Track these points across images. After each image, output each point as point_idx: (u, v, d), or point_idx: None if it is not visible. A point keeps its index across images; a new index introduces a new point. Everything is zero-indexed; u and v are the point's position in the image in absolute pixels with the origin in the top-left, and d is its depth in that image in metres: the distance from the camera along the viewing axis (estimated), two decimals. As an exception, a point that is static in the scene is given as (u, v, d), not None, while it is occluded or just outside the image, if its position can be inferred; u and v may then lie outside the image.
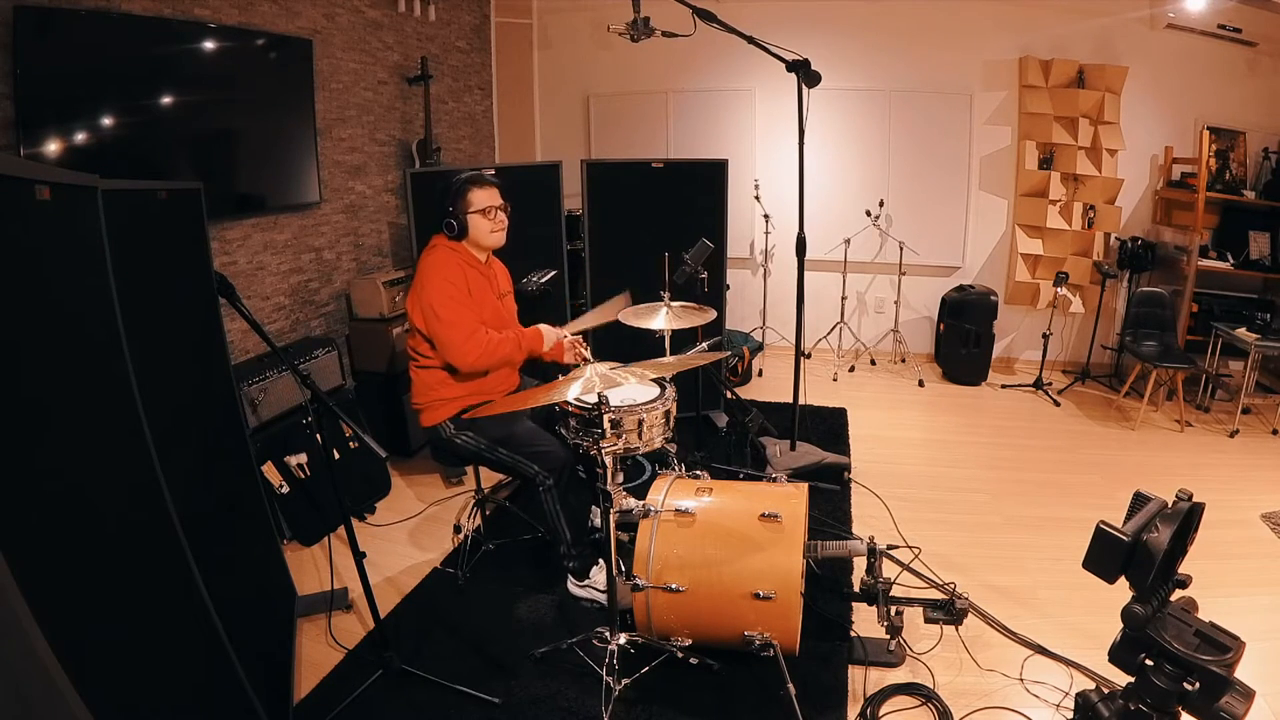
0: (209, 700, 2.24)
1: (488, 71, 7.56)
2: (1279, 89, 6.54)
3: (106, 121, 3.61)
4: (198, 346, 3.08)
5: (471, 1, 7.11)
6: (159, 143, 3.94)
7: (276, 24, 4.66)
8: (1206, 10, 6.27)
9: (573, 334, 3.72)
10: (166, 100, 3.93)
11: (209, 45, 4.14)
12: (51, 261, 1.77)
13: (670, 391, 3.17)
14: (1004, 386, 6.89)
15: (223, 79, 4.24)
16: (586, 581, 3.56)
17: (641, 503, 3.07)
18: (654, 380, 3.22)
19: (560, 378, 2.95)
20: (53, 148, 3.36)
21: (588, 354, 3.58)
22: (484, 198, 3.49)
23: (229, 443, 3.27)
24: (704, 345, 3.94)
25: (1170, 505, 1.94)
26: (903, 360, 7.51)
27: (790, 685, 2.79)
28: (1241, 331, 5.86)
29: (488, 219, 3.51)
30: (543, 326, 3.62)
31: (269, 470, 3.99)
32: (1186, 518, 1.90)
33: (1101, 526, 1.92)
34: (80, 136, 3.50)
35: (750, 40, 4.09)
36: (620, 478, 2.92)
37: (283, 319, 4.87)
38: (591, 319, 3.80)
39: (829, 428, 5.75)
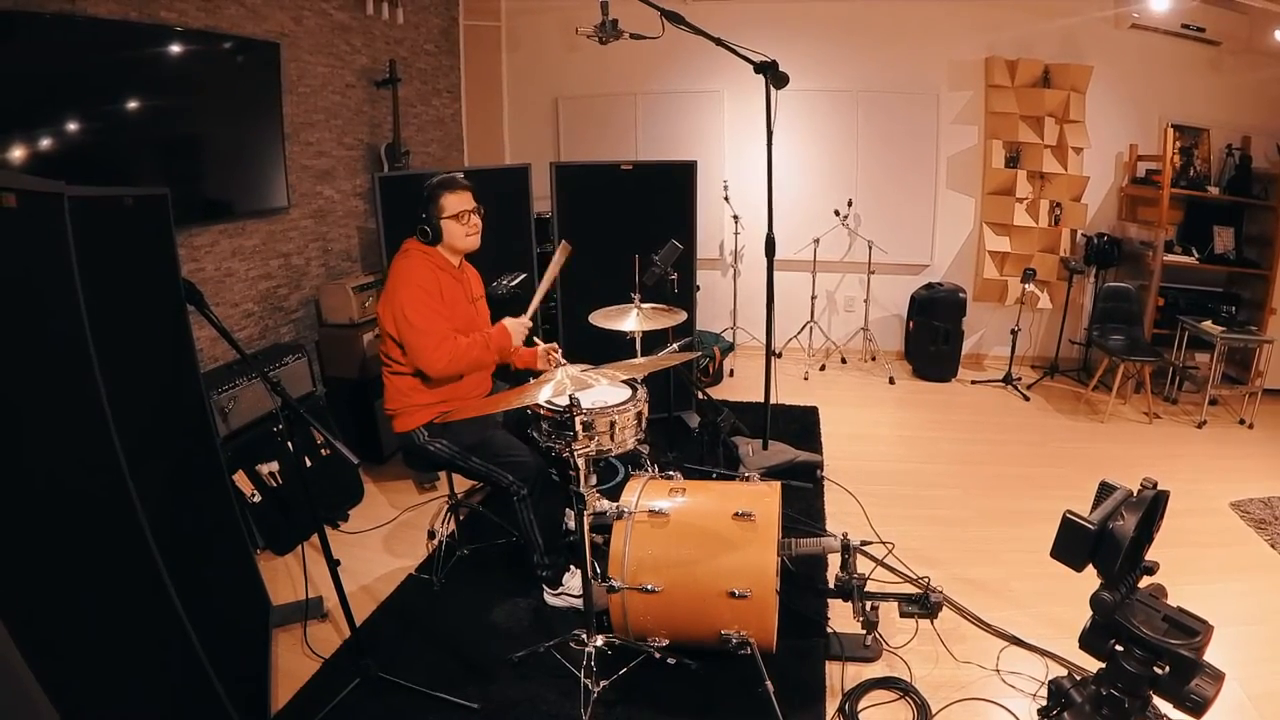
0: (184, 713, 2.22)
1: (456, 74, 7.54)
2: (1242, 86, 6.65)
3: (71, 127, 3.57)
4: (167, 355, 3.04)
5: (440, 4, 7.09)
6: (125, 148, 3.90)
7: (243, 27, 4.62)
8: (1170, 10, 6.36)
9: (534, 311, 3.70)
10: (132, 105, 3.89)
11: (175, 49, 4.10)
12: (17, 269, 1.75)
13: (642, 393, 3.18)
14: (974, 382, 6.96)
15: (189, 83, 4.19)
16: (561, 589, 3.55)
17: (615, 504, 3.08)
18: (625, 382, 3.23)
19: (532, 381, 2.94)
20: (16, 154, 3.31)
21: (560, 360, 3.58)
22: (456, 202, 3.48)
23: (200, 452, 3.23)
24: (675, 346, 3.95)
25: (1135, 494, 1.97)
26: (873, 358, 7.56)
27: (768, 682, 2.80)
28: (1207, 324, 5.97)
29: (461, 223, 3.50)
30: (506, 320, 3.60)
31: (240, 479, 3.95)
32: (1151, 505, 1.93)
33: (1068, 516, 1.94)
34: (45, 142, 3.45)
35: (718, 42, 4.10)
36: (593, 480, 2.92)
37: (252, 326, 4.83)
38: (544, 285, 3.74)
39: (801, 426, 5.78)
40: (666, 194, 5.34)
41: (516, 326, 3.59)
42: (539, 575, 3.55)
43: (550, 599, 3.57)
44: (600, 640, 3.00)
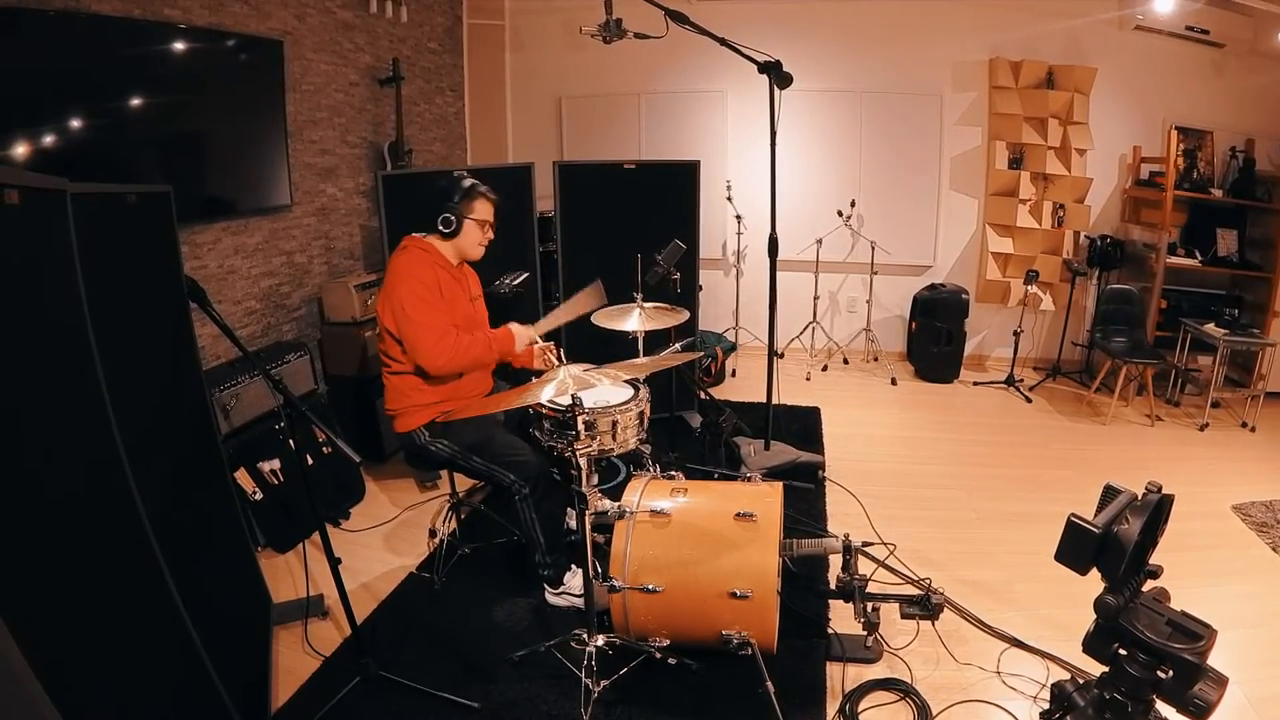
0: (185, 711, 2.21)
1: (459, 73, 7.53)
2: (1246, 89, 6.64)
3: (75, 124, 3.56)
4: (169, 352, 3.04)
5: (443, 3, 7.09)
6: (128, 145, 3.90)
7: (247, 25, 4.62)
8: (1174, 12, 6.35)
9: (544, 331, 3.71)
10: (136, 102, 3.89)
11: (179, 46, 4.10)
12: (20, 267, 1.74)
13: (644, 392, 3.17)
14: (976, 384, 6.96)
15: (193, 80, 4.19)
16: (562, 588, 3.55)
17: (617, 504, 3.07)
18: (627, 381, 3.22)
19: (534, 380, 2.94)
20: (19, 151, 3.31)
21: (556, 359, 3.58)
22: (485, 210, 3.53)
23: (201, 449, 3.23)
24: (677, 346, 3.95)
25: (1140, 497, 1.96)
26: (875, 359, 7.56)
27: (769, 683, 2.80)
28: (1210, 327, 5.96)
29: (481, 230, 3.55)
30: (513, 325, 3.60)
31: (242, 477, 3.96)
32: (1156, 509, 1.92)
33: (1072, 519, 1.93)
34: (48, 139, 3.45)
35: (722, 42, 4.09)
36: (595, 479, 2.91)
37: (254, 323, 4.83)
38: (564, 314, 3.79)
39: (803, 427, 5.78)
40: (669, 194, 5.33)
41: (522, 333, 3.60)
42: (541, 574, 3.55)
43: (551, 598, 3.57)
44: (601, 640, 3.00)
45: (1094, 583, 1.96)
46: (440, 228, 3.47)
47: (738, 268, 7.56)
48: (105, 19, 3.69)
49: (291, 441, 4.15)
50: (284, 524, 4.09)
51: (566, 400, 2.70)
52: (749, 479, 3.50)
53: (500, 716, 2.92)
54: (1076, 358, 7.31)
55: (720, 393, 6.37)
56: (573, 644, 3.07)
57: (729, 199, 7.16)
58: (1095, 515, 1.96)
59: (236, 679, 2.54)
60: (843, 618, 3.34)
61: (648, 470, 3.75)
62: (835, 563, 3.35)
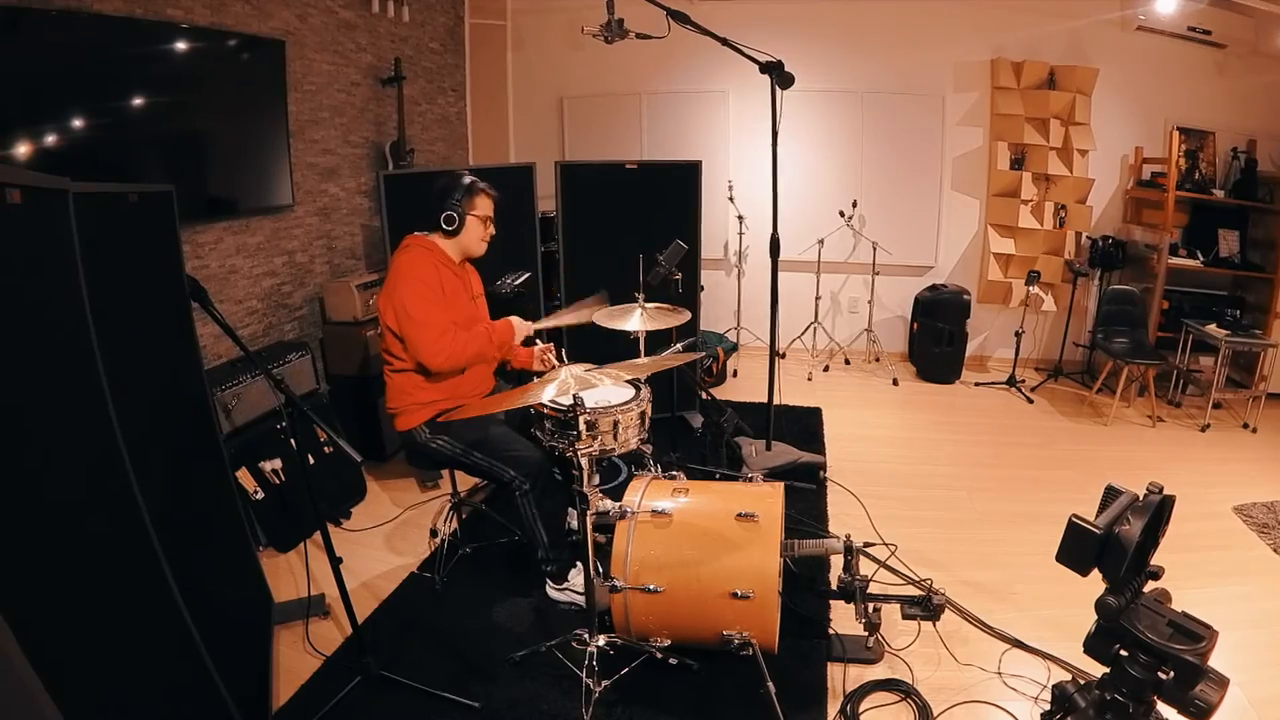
0: (186, 710, 2.21)
1: (461, 73, 7.53)
2: (1248, 90, 6.63)
3: (76, 123, 3.57)
4: (170, 351, 3.05)
5: (445, 2, 7.09)
6: (130, 145, 3.90)
7: (249, 25, 4.62)
8: (1176, 12, 6.35)
9: (543, 328, 3.73)
10: (138, 102, 3.89)
11: (181, 46, 4.10)
12: (22, 266, 1.75)
13: (645, 392, 3.17)
14: (977, 384, 6.95)
15: (194, 80, 4.19)
16: (565, 584, 3.55)
17: (618, 504, 3.07)
18: (629, 381, 3.22)
19: (535, 380, 2.94)
20: (21, 150, 3.31)
21: (555, 359, 3.59)
22: (486, 206, 3.54)
23: (203, 449, 3.23)
24: (678, 346, 3.95)
25: (1141, 498, 1.96)
26: (877, 359, 7.56)
27: (770, 683, 2.79)
28: (1211, 328, 5.96)
29: (484, 226, 3.56)
30: (513, 318, 3.62)
31: (243, 476, 3.96)
32: (1157, 510, 1.92)
33: (1074, 520, 1.93)
34: (50, 139, 3.45)
35: (724, 42, 4.09)
36: (596, 479, 2.91)
37: (255, 323, 4.83)
38: (564, 316, 3.80)
39: (804, 427, 5.77)
40: (671, 194, 5.33)
41: (521, 324, 3.61)
42: (544, 570, 3.55)
43: (553, 593, 3.56)
44: (602, 640, 3.00)
45: (1095, 584, 1.95)
46: (444, 225, 3.47)
47: (739, 268, 7.55)
48: (107, 19, 3.69)
49: (293, 441, 4.14)
50: (285, 523, 4.10)
51: (568, 400, 2.71)
52: (750, 479, 3.50)
53: (501, 716, 2.92)
54: (1078, 358, 7.31)
55: (722, 393, 6.37)
56: (574, 644, 3.07)
57: (731, 199, 7.17)
58: (1096, 516, 1.96)
59: (237, 679, 2.53)
60: (844, 618, 3.34)
61: (649, 470, 3.75)
62: (836, 563, 3.35)
